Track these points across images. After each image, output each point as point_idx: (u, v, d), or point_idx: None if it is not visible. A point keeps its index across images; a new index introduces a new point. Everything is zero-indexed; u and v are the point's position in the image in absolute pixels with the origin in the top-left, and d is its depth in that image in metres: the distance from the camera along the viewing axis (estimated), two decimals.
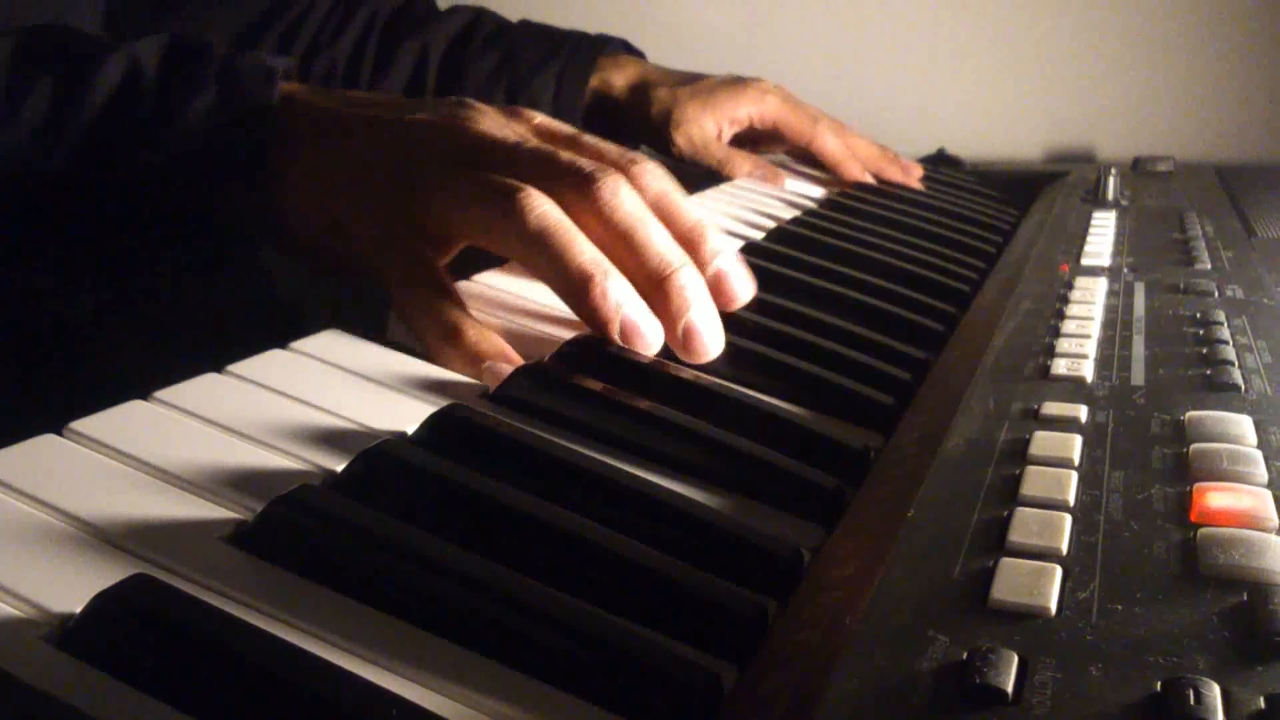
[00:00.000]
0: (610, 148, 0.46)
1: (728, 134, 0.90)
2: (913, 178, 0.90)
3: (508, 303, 0.48)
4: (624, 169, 0.44)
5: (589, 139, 0.47)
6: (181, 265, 0.51)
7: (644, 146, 0.90)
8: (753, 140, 0.92)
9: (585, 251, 0.41)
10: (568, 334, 0.44)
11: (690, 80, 0.90)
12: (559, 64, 0.87)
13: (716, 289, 0.44)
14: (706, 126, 0.88)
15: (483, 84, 0.86)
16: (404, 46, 0.86)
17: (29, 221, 0.48)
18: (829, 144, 0.88)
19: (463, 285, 0.48)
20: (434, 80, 0.86)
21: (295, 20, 0.85)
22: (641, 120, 0.89)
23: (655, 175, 0.45)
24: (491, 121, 0.47)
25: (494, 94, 0.86)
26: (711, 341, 0.42)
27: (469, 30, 0.89)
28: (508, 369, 0.39)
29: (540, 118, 0.49)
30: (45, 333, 0.54)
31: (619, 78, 0.90)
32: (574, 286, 0.41)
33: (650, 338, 0.41)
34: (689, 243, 0.44)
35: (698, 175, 0.86)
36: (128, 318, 0.55)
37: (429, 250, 0.44)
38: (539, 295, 0.48)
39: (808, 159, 0.92)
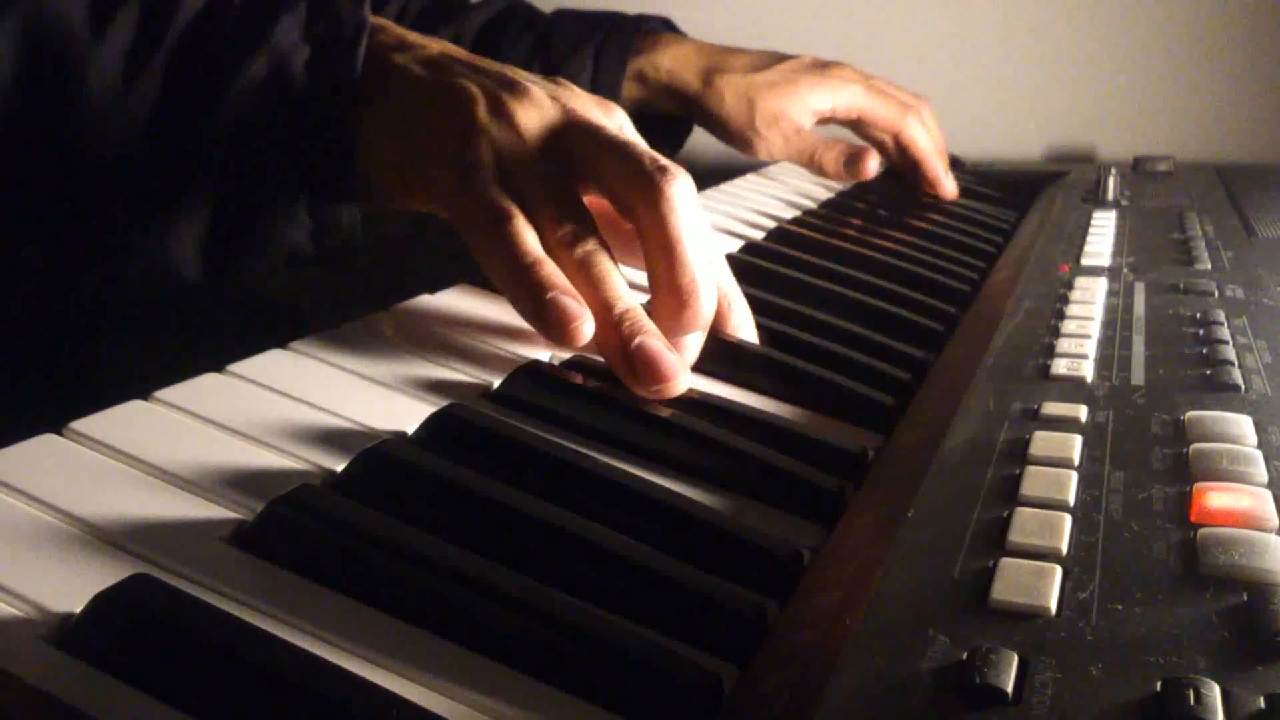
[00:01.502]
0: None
1: (809, 124, 0.85)
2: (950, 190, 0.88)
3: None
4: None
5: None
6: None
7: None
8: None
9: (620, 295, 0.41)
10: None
11: (762, 64, 0.84)
12: (595, 43, 0.82)
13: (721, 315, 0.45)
14: (795, 119, 0.83)
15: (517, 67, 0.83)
16: (437, 35, 0.83)
17: (121, 174, 0.46)
18: (918, 137, 0.84)
19: (455, 290, 0.48)
20: None
21: None
22: (714, 113, 0.84)
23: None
24: (582, 105, 0.46)
25: None
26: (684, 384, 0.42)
27: (503, 16, 0.85)
28: (573, 305, 0.39)
29: (626, 120, 0.49)
30: (45, 333, 0.54)
31: (671, 60, 0.84)
32: (489, 234, 0.41)
33: (586, 329, 0.40)
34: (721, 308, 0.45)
35: (696, 175, 0.86)
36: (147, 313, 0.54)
37: (505, 196, 0.42)
38: None
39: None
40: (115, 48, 0.44)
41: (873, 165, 0.84)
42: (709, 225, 0.45)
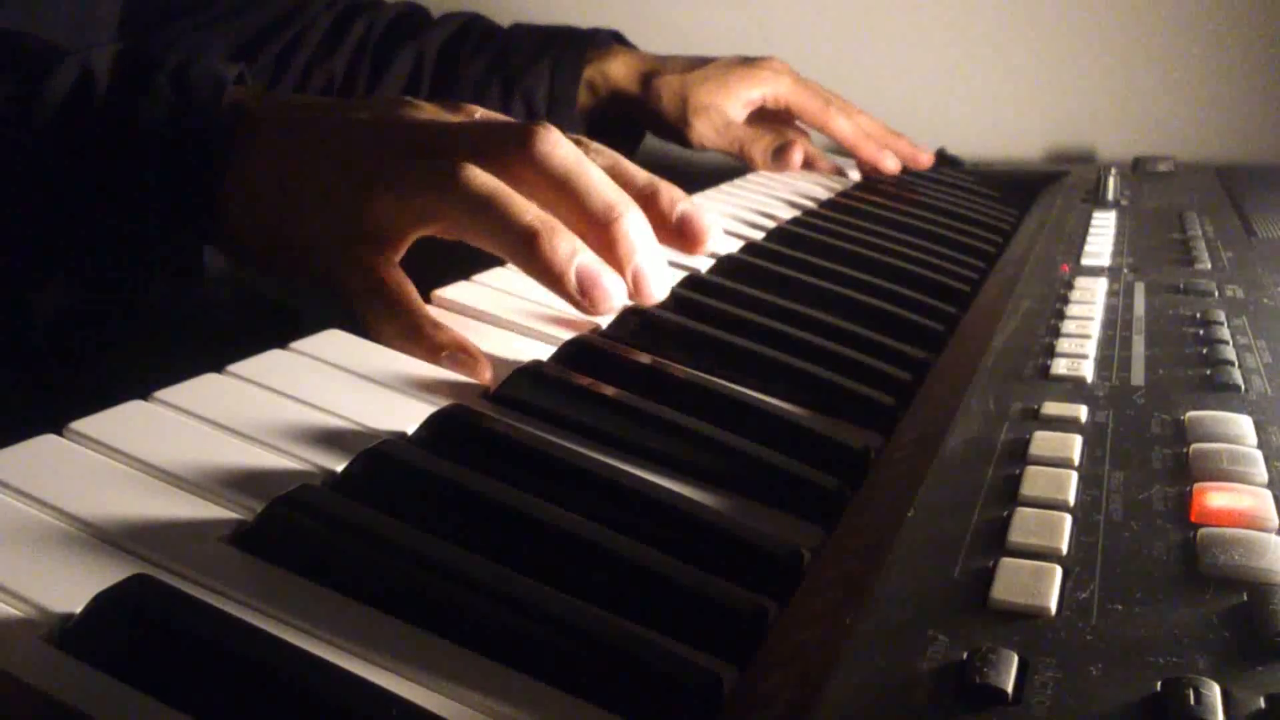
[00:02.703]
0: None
1: (741, 116, 0.90)
2: (921, 160, 0.90)
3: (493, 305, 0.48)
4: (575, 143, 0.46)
5: None
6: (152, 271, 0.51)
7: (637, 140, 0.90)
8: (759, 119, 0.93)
9: (528, 211, 0.41)
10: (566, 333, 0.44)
11: (697, 65, 0.90)
12: (550, 58, 0.87)
13: (682, 230, 0.45)
14: (726, 110, 0.88)
15: (476, 83, 0.86)
16: (399, 55, 0.86)
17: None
18: (842, 126, 0.89)
19: (446, 291, 0.48)
20: (428, 84, 0.87)
21: (296, 35, 0.86)
22: (653, 111, 0.89)
23: (605, 150, 0.47)
24: (430, 113, 0.47)
25: (488, 91, 0.86)
26: (659, 285, 0.43)
27: (461, 33, 0.90)
28: (467, 357, 0.40)
29: (481, 111, 0.49)
30: (45, 333, 0.54)
31: (617, 68, 0.89)
32: (522, 245, 0.41)
33: (609, 285, 0.41)
34: (647, 196, 0.45)
35: (696, 175, 0.86)
36: (101, 323, 0.55)
37: (379, 252, 0.44)
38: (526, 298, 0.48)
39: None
40: None
41: (797, 157, 0.88)
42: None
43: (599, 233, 0.42)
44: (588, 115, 0.89)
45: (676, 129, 0.89)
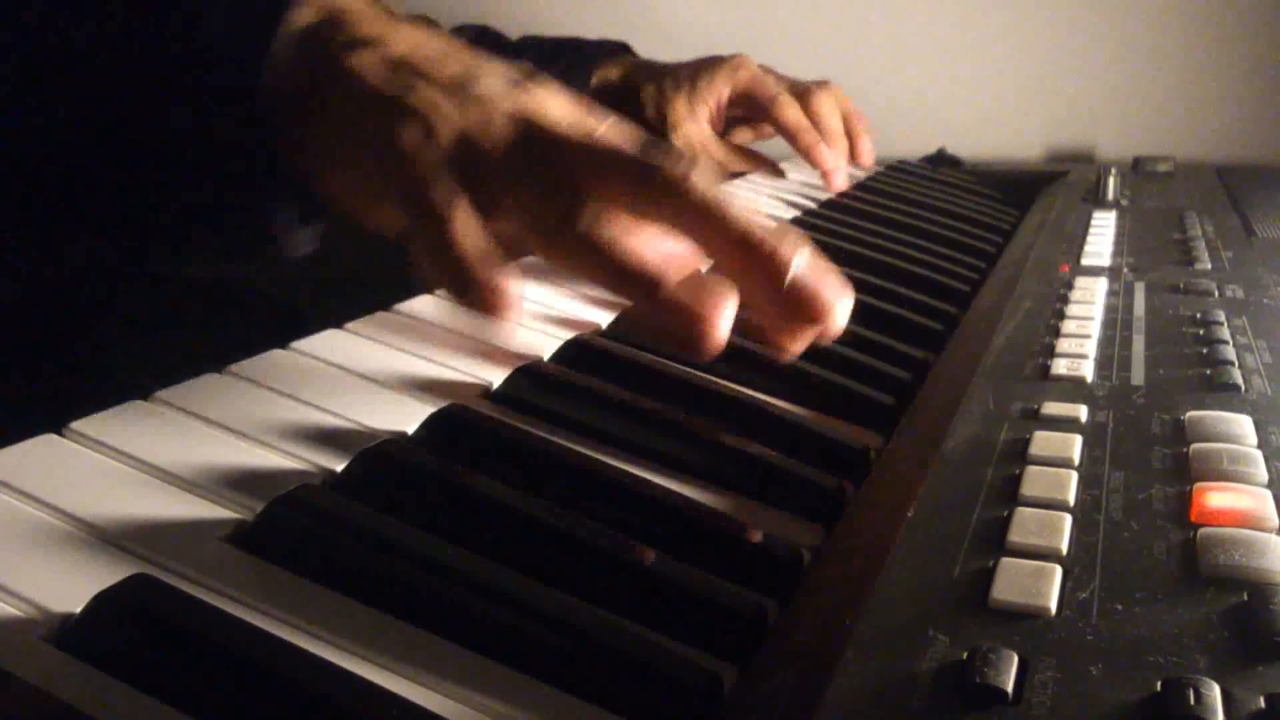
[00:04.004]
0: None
1: (711, 101, 0.92)
2: (863, 159, 0.90)
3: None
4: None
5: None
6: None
7: None
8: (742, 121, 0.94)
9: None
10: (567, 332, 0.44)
11: (671, 71, 0.91)
12: (559, 68, 0.88)
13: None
14: (701, 119, 0.89)
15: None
16: None
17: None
18: (786, 116, 0.88)
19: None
20: None
21: None
22: (633, 97, 0.90)
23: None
24: (557, 109, 0.41)
25: None
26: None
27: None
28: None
29: (607, 116, 0.42)
30: (45, 332, 0.54)
31: (614, 73, 0.91)
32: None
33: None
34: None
35: None
36: (131, 310, 0.54)
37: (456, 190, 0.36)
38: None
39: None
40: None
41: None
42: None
43: (755, 265, 0.35)
44: None
45: (654, 105, 0.91)
